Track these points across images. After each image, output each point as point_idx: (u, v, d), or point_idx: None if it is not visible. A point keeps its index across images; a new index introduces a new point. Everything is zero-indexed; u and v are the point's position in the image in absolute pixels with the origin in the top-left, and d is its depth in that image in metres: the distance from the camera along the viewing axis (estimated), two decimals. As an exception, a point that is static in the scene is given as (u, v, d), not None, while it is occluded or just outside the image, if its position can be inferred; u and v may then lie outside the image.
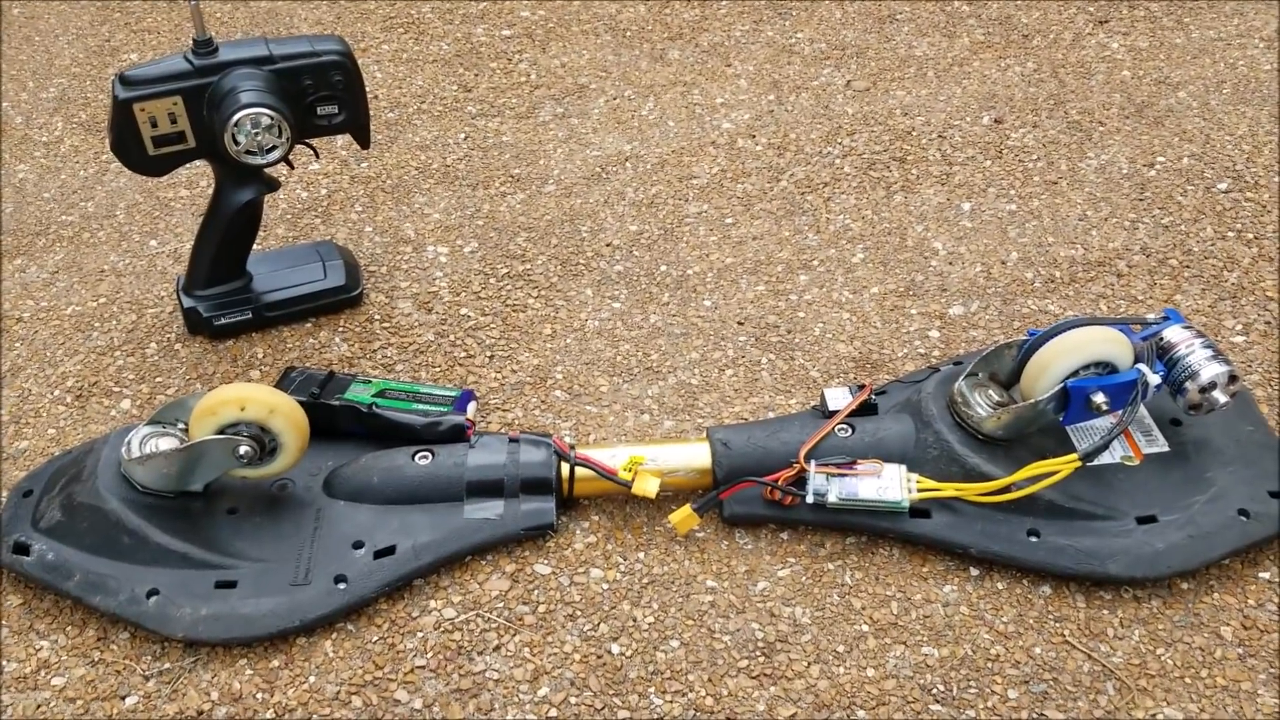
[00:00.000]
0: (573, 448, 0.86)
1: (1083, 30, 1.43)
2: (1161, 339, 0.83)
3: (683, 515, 0.83)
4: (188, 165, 1.00)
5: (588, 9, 1.55)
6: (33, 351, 1.05)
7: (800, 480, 0.82)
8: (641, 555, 0.84)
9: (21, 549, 0.84)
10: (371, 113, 1.01)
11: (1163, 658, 0.76)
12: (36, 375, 1.03)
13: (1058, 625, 0.78)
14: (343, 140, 1.30)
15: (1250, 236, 1.09)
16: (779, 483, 0.82)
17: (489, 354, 1.02)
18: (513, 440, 0.87)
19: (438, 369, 1.00)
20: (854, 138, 1.27)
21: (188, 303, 1.04)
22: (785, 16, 1.51)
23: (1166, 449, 0.84)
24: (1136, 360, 0.81)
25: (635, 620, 0.80)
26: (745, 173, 1.23)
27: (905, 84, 1.36)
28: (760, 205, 1.18)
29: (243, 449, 0.81)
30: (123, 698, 0.77)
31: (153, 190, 1.26)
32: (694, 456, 0.86)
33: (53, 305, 1.11)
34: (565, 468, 0.85)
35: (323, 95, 0.96)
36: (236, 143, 0.93)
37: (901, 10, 1.50)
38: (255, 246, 1.05)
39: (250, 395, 0.81)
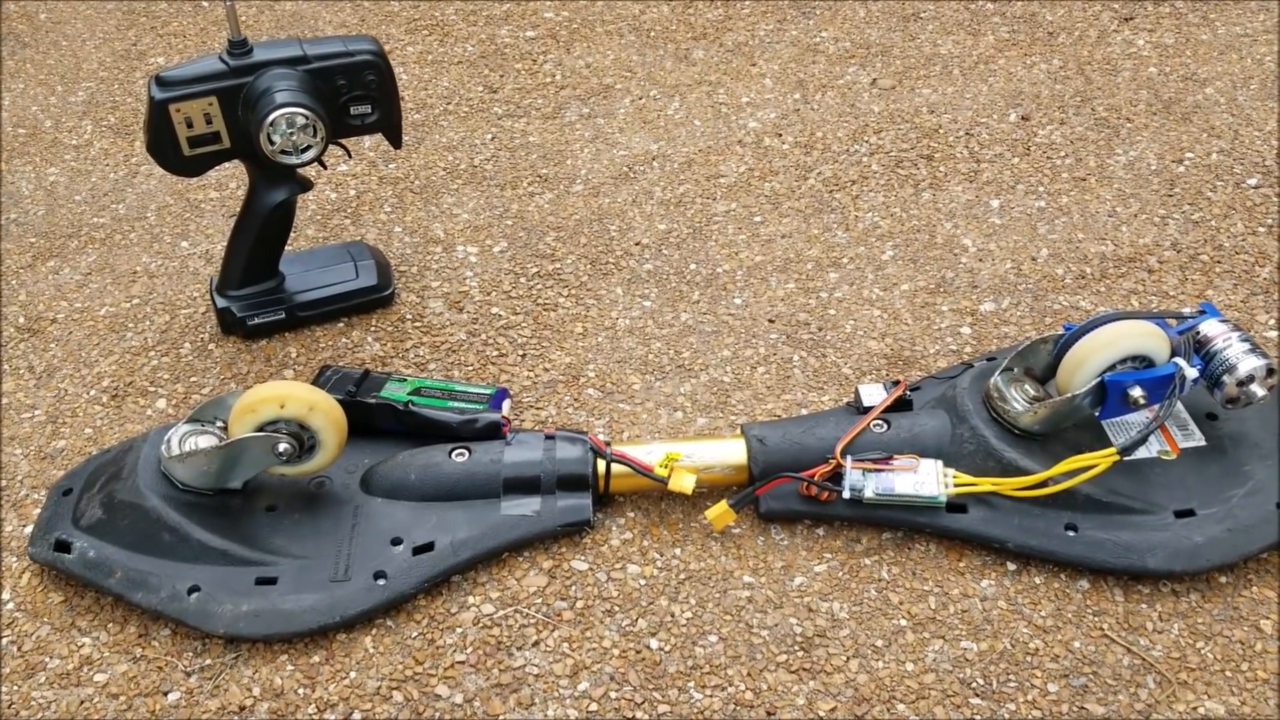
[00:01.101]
0: (608, 444, 0.87)
1: (1108, 27, 1.43)
2: (1198, 333, 0.83)
3: (719, 511, 0.83)
4: (218, 167, 1.01)
5: (611, 9, 1.55)
6: (68, 352, 1.06)
7: (836, 476, 0.82)
8: (678, 551, 0.84)
9: (63, 547, 0.84)
10: (403, 114, 1.01)
11: (1202, 651, 0.76)
12: (72, 375, 1.03)
13: (1096, 619, 0.78)
14: (370, 142, 1.31)
15: (1281, 231, 1.09)
16: (815, 478, 0.82)
17: (521, 353, 1.02)
18: (549, 437, 0.87)
19: (470, 368, 1.01)
20: (881, 136, 1.27)
21: (221, 303, 1.05)
22: (809, 16, 1.51)
23: (1203, 443, 0.84)
24: (1173, 354, 0.81)
25: (673, 615, 0.80)
26: (773, 171, 1.23)
27: (931, 82, 1.36)
28: (788, 204, 1.18)
29: (282, 446, 0.82)
30: (165, 694, 0.78)
31: (183, 192, 1.27)
32: (730, 453, 0.86)
33: (87, 306, 1.12)
34: (601, 464, 0.86)
35: (356, 95, 0.97)
36: (272, 142, 0.94)
37: (925, 9, 1.50)
38: (286, 247, 1.06)
39: (290, 393, 0.82)
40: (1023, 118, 1.27)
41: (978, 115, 1.29)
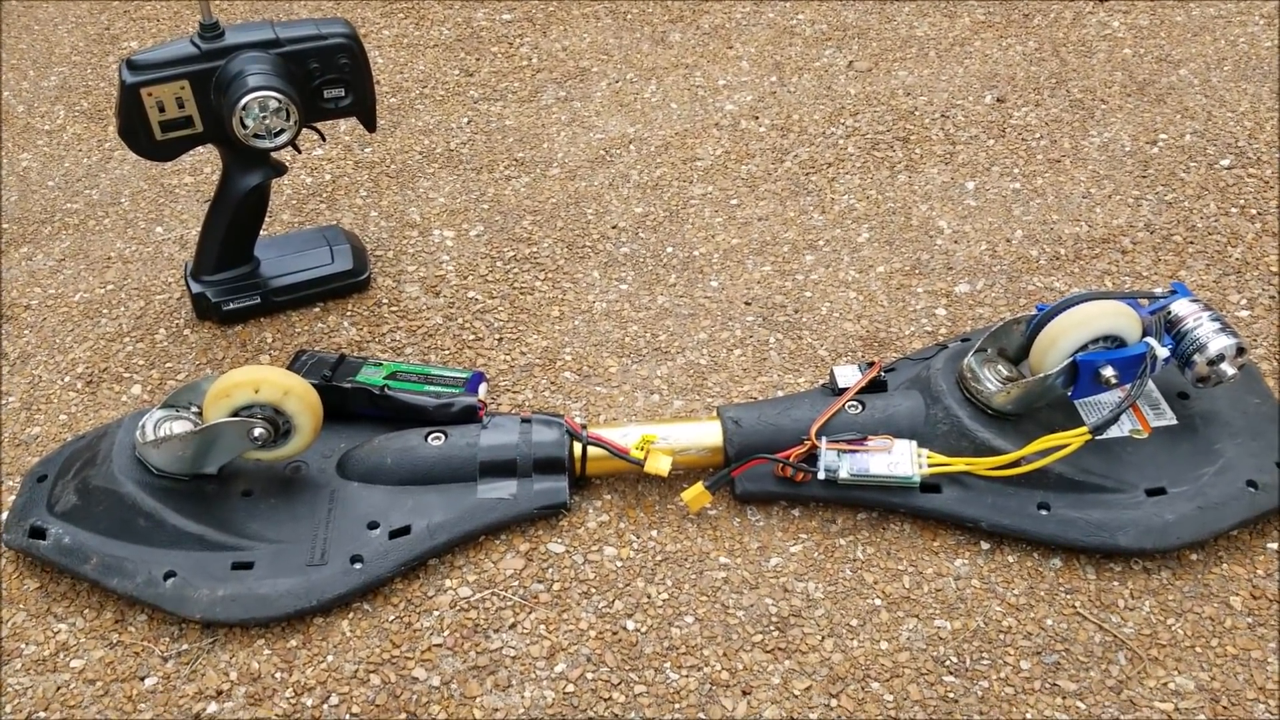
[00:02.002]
0: (584, 427, 0.87)
1: (1083, 9, 1.44)
2: (1169, 312, 0.84)
3: (695, 493, 0.83)
4: (192, 152, 1.00)
5: (588, -8, 1.55)
6: (42, 339, 1.05)
7: (811, 457, 0.83)
8: (654, 533, 0.84)
9: (38, 533, 0.84)
10: (376, 97, 1.01)
11: (1173, 628, 0.76)
12: (46, 362, 1.03)
13: (1069, 597, 0.78)
14: (345, 126, 1.30)
15: (1254, 212, 1.10)
16: (791, 460, 0.83)
17: (497, 336, 1.02)
18: (525, 420, 0.87)
19: (447, 352, 1.01)
20: (857, 118, 1.27)
21: (196, 288, 1.04)
22: (786, -2, 1.51)
23: (1175, 422, 0.85)
24: (1145, 334, 0.82)
25: (650, 597, 0.80)
26: (749, 154, 1.23)
27: (907, 64, 1.36)
28: (765, 186, 1.18)
29: (257, 431, 0.82)
30: (142, 679, 0.77)
31: (157, 178, 1.26)
32: (705, 435, 0.86)
33: (60, 293, 1.11)
34: (578, 447, 0.86)
35: (330, 79, 0.96)
36: (244, 126, 0.93)
37: (902, -9, 1.50)
38: (261, 232, 1.05)
39: (264, 377, 0.82)
40: (998, 100, 1.28)
41: (953, 97, 1.29)
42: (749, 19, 1.47)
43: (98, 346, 1.04)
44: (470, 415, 0.89)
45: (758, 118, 1.29)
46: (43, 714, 0.76)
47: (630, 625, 0.79)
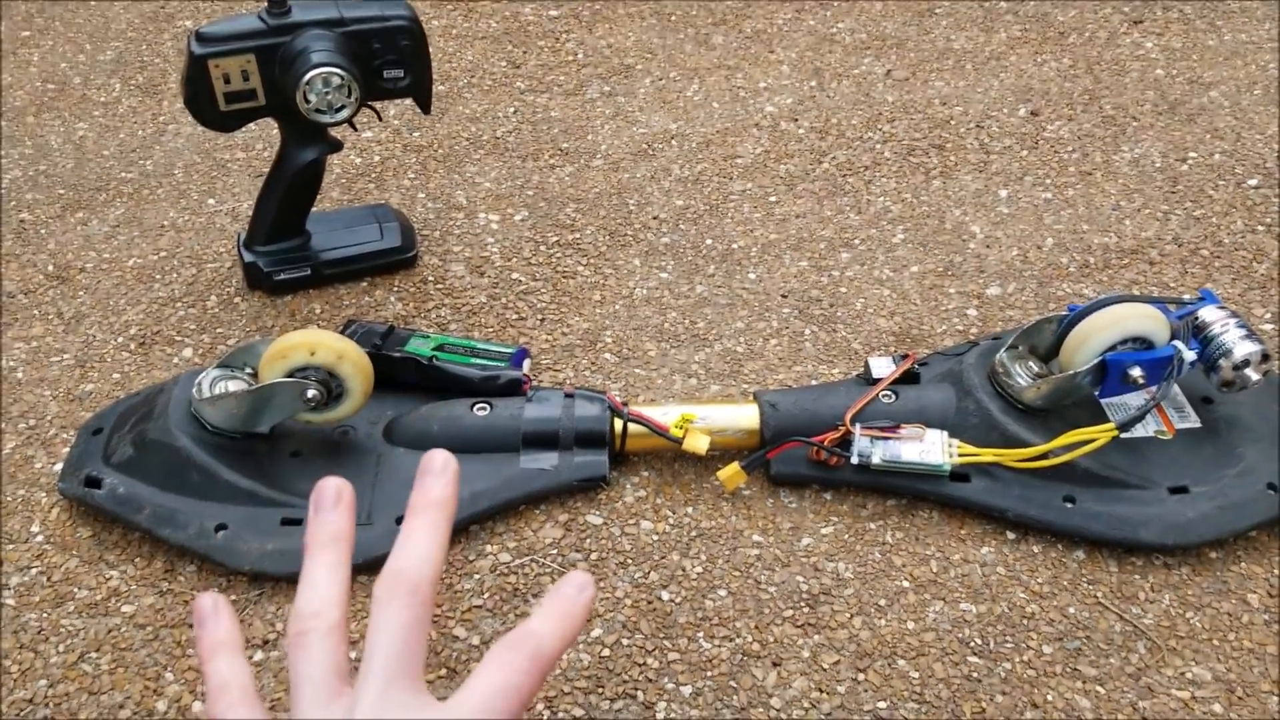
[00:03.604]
0: (625, 404, 0.90)
1: (1117, 29, 1.46)
2: (1197, 318, 0.86)
3: (731, 472, 0.86)
4: (245, 128, 1.03)
5: (632, -7, 1.58)
6: (96, 300, 1.08)
7: (845, 442, 0.86)
8: (690, 510, 0.87)
9: (93, 483, 0.87)
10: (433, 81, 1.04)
11: (1192, 621, 0.79)
12: (100, 323, 1.06)
13: (1091, 587, 0.81)
14: (395, 110, 1.33)
15: (1279, 231, 1.12)
16: (825, 444, 0.85)
17: (540, 317, 1.05)
18: (568, 395, 0.90)
19: (490, 329, 1.04)
20: (894, 124, 1.30)
21: (248, 258, 1.07)
22: (826, 7, 1.54)
23: (1198, 424, 0.88)
24: (1173, 337, 0.84)
25: (684, 570, 0.83)
26: (788, 154, 1.26)
27: (944, 75, 1.39)
28: (803, 185, 1.21)
29: (311, 392, 0.85)
30: (191, 626, 0.80)
31: (210, 151, 1.29)
32: (743, 417, 0.89)
33: (114, 257, 1.14)
34: (619, 424, 0.88)
35: (390, 59, 1.00)
36: (308, 101, 0.96)
37: (940, 4, 1.53)
38: (313, 209, 1.09)
39: (320, 340, 0.85)
40: (1032, 113, 1.31)
41: (988, 109, 1.32)
42: (790, 25, 1.50)
43: (150, 310, 1.07)
44: (515, 388, 0.92)
45: (797, 120, 1.32)
46: (94, 654, 0.78)
47: (665, 596, 0.81)
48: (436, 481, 0.43)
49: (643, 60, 1.44)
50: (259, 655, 0.78)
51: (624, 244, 1.14)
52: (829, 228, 1.15)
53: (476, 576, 0.83)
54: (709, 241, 1.14)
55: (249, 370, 0.89)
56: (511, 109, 1.35)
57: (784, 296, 1.07)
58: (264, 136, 1.30)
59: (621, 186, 1.22)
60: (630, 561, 0.84)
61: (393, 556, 0.43)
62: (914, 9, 1.52)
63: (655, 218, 1.17)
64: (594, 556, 0.84)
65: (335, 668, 0.42)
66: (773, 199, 1.19)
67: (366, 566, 0.83)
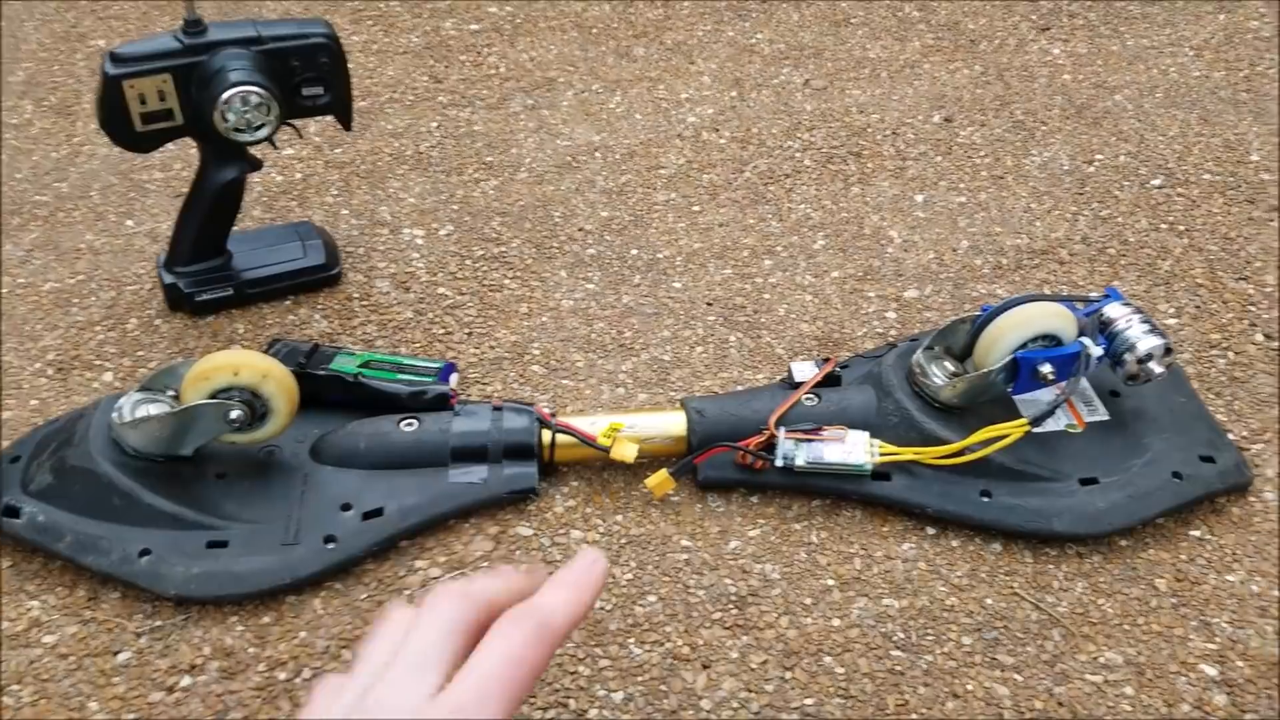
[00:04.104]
0: (553, 415, 0.90)
1: (1026, 36, 1.51)
2: (1103, 315, 0.90)
3: (659, 479, 0.87)
4: (163, 148, 1.02)
5: (554, 6, 1.59)
6: (12, 326, 1.07)
7: (770, 446, 0.87)
8: (619, 517, 0.88)
9: (11, 512, 0.85)
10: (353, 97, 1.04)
11: (1104, 607, 0.82)
12: (16, 349, 1.04)
13: (1008, 579, 0.83)
14: (316, 126, 1.33)
15: (1181, 228, 1.17)
16: (751, 448, 0.87)
17: (467, 331, 1.06)
18: (496, 408, 0.91)
19: (417, 344, 1.04)
20: (813, 133, 1.33)
21: (169, 279, 1.06)
22: (745, 18, 1.56)
23: (1107, 418, 0.91)
24: (1080, 334, 0.87)
25: (614, 577, 0.84)
26: (711, 164, 1.28)
27: (860, 84, 1.42)
28: (725, 194, 1.23)
29: (235, 413, 0.84)
30: (115, 653, 0.79)
31: (127, 172, 1.28)
32: (670, 424, 0.90)
33: (30, 282, 1.12)
34: (547, 434, 0.89)
35: (309, 77, 1.00)
36: (226, 120, 0.96)
37: (856, 14, 1.56)
38: (234, 228, 1.08)
39: (244, 361, 0.84)
40: (946, 119, 1.34)
41: (904, 116, 1.35)
42: (710, 37, 1.52)
43: (69, 335, 1.06)
44: (442, 403, 0.92)
45: (719, 130, 1.34)
46: (16, 686, 0.77)
47: (595, 604, 0.82)
48: (600, 564, 0.39)
49: (565, 73, 1.45)
50: (186, 681, 0.77)
51: (550, 256, 1.15)
52: (751, 236, 1.17)
53: (407, 592, 0.83)
54: (634, 252, 1.15)
55: (171, 393, 0.88)
56: (434, 123, 1.35)
57: (709, 304, 1.08)
58: (183, 156, 1.29)
59: (546, 199, 1.23)
60: (561, 571, 0.84)
61: (535, 596, 0.40)
62: (830, 19, 1.56)
63: (581, 229, 1.18)
64: (524, 568, 0.84)
65: (455, 645, 0.36)
66: (696, 208, 1.21)
67: (293, 587, 0.82)
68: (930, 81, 1.42)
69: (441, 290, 1.10)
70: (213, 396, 0.84)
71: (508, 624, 0.35)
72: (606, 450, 0.88)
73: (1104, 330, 0.89)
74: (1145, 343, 0.87)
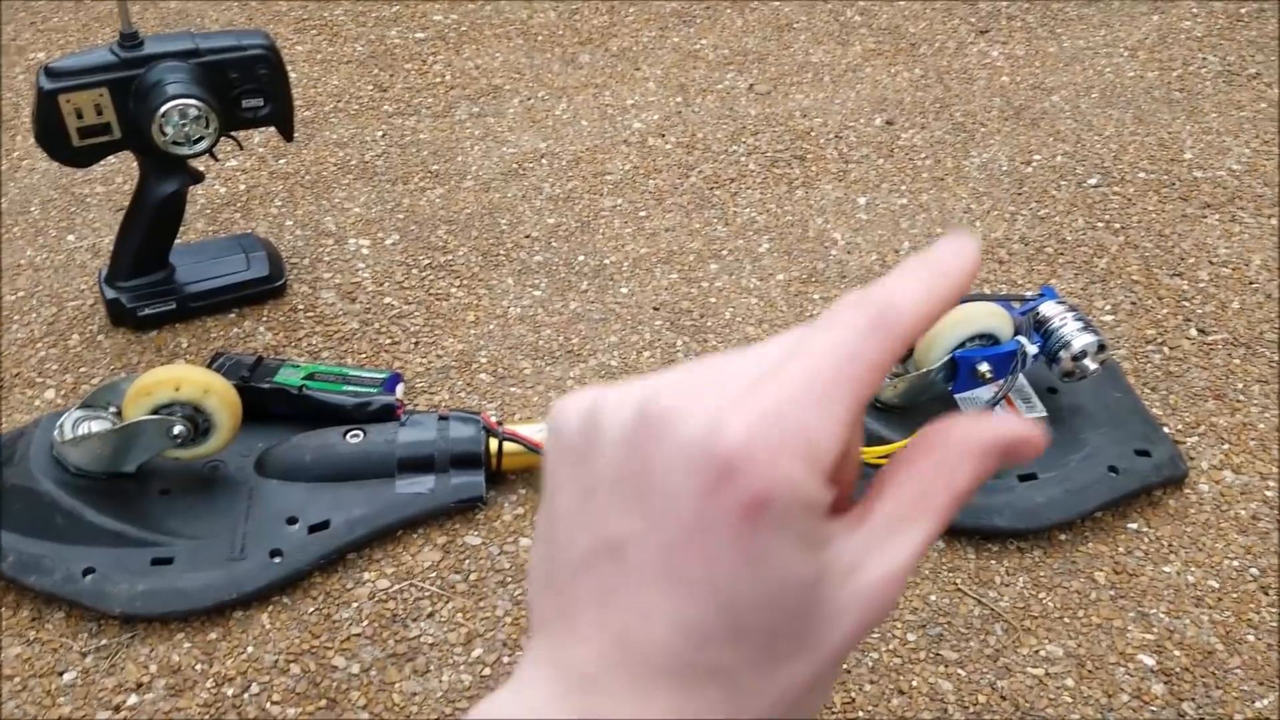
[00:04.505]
0: (500, 423, 0.91)
1: (965, 39, 1.53)
2: (1038, 313, 0.91)
3: (605, 485, 0.88)
4: (104, 161, 1.02)
5: (499, 14, 1.60)
6: (-50, 344, 1.05)
7: (715, 449, 0.88)
8: (567, 523, 0.88)
9: (-48, 533, 0.84)
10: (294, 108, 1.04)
11: (1044, 601, 0.83)
12: (-45, 367, 1.03)
13: (951, 575, 0.85)
14: (260, 137, 1.32)
15: (1117, 226, 1.19)
16: (695, 452, 0.87)
17: (414, 340, 1.05)
18: (442, 418, 0.91)
19: (364, 355, 1.04)
20: (757, 137, 1.34)
21: (110, 294, 1.06)
22: (689, 24, 1.57)
23: (1044, 414, 0.93)
24: (1016, 332, 0.89)
25: (563, 583, 0.84)
26: (656, 169, 1.29)
27: (804, 88, 1.43)
28: (671, 199, 1.24)
29: (177, 429, 0.84)
30: (60, 673, 0.79)
31: (67, 187, 1.26)
32: (615, 430, 0.90)
33: (-31, 299, 1.11)
34: (494, 443, 0.90)
35: (249, 88, 0.99)
36: (164, 134, 0.95)
37: (798, 19, 1.58)
38: (176, 241, 1.07)
39: (185, 376, 0.84)
40: (887, 122, 1.36)
41: (846, 119, 1.37)
42: (655, 43, 1.53)
43: (9, 352, 1.04)
44: (388, 414, 0.92)
45: (664, 135, 1.35)
46: (-41, 710, 0.76)
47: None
48: (968, 249, 0.28)
49: (511, 80, 1.45)
50: (133, 699, 0.77)
51: (497, 264, 1.15)
52: (697, 240, 1.18)
53: (355, 605, 0.83)
54: (581, 258, 1.16)
55: (113, 409, 0.87)
56: (379, 132, 1.35)
57: (655, 309, 1.09)
58: (124, 169, 1.28)
59: (493, 206, 1.23)
60: (510, 579, 0.85)
61: (879, 282, 0.29)
62: (773, 24, 1.57)
63: (527, 236, 1.19)
64: (473, 577, 0.85)
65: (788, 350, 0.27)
66: (642, 214, 1.22)
67: (240, 602, 0.82)
68: (872, 85, 1.44)
69: (388, 300, 1.10)
70: (154, 412, 0.84)
71: (843, 308, 0.27)
72: (553, 457, 0.88)
73: (1039, 329, 0.91)
74: (1079, 340, 0.89)
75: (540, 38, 1.54)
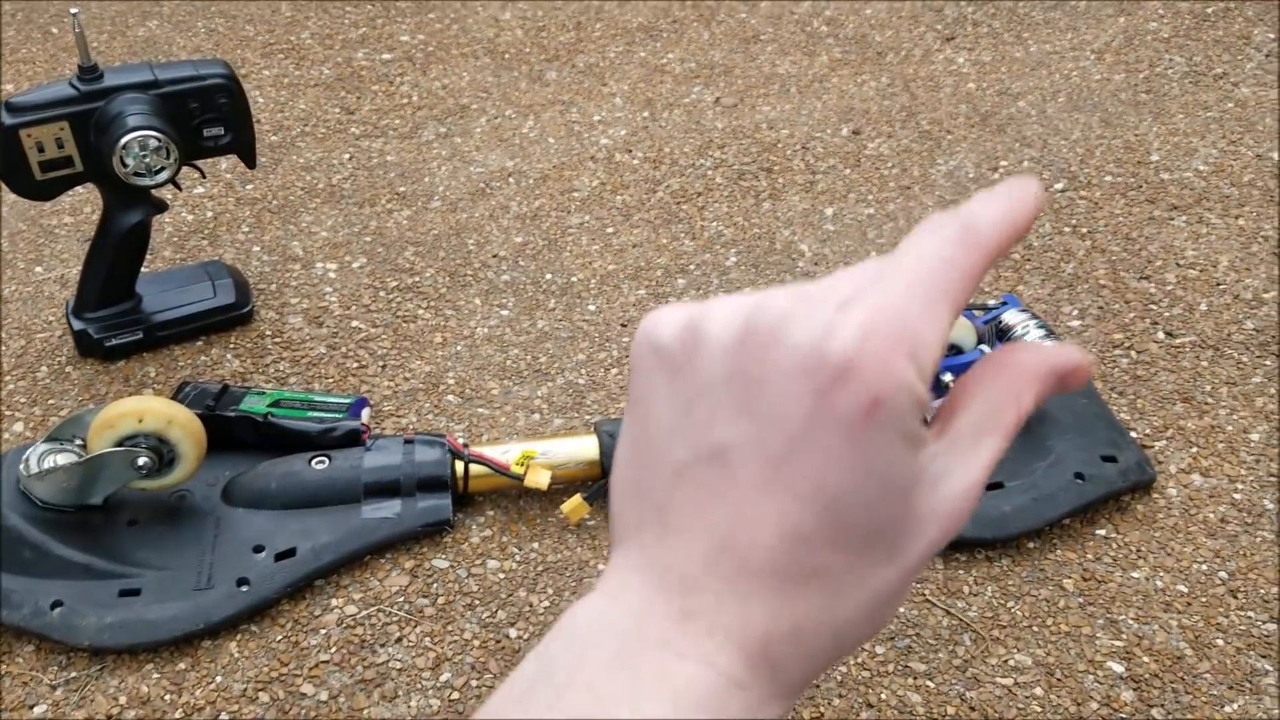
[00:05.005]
0: (466, 446, 0.91)
1: (931, 47, 1.54)
2: (1000, 321, 0.92)
3: (573, 505, 0.88)
4: (72, 192, 1.02)
5: (466, 33, 1.60)
6: (-83, 379, 1.05)
7: (681, 466, 0.88)
8: (536, 545, 0.89)
9: (-83, 570, 0.84)
10: (255, 135, 1.04)
11: (1013, 610, 0.83)
12: (-78, 403, 1.03)
13: (919, 586, 0.85)
14: (227, 164, 1.32)
15: (1084, 231, 1.19)
16: (662, 469, 0.88)
17: (381, 364, 1.05)
18: (408, 441, 0.91)
19: (331, 380, 1.04)
20: (724, 150, 1.34)
21: (78, 325, 1.05)
22: (656, 38, 1.58)
23: (1010, 422, 0.93)
24: (980, 341, 0.89)
25: (531, 605, 0.84)
26: (624, 185, 1.29)
27: (770, 100, 1.44)
28: (639, 215, 1.24)
29: (142, 460, 0.84)
30: (31, 707, 0.78)
31: (35, 218, 1.26)
32: (583, 449, 0.91)
33: (-64, 333, 1.10)
34: (460, 465, 0.89)
35: (209, 117, 0.99)
36: (125, 165, 0.95)
37: (765, 31, 1.59)
38: (143, 269, 1.07)
39: (148, 407, 0.84)
40: (854, 132, 1.36)
41: (813, 130, 1.37)
42: (622, 58, 1.54)
43: (-24, 386, 1.04)
44: (354, 439, 0.92)
45: (631, 151, 1.35)
46: (-74, 749, 0.76)
47: (513, 633, 0.82)
48: (1033, 185, 0.30)
49: (478, 99, 1.45)
50: (100, 733, 0.77)
51: (464, 284, 1.15)
52: (665, 255, 1.18)
53: (323, 631, 0.83)
54: (549, 276, 1.16)
55: (78, 442, 0.87)
56: (346, 155, 1.35)
57: (623, 326, 1.09)
58: (92, 200, 1.28)
59: (460, 227, 1.23)
60: (478, 602, 0.85)
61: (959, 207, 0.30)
62: (740, 36, 1.57)
63: (495, 256, 1.19)
64: (441, 600, 0.85)
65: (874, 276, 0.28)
66: (610, 230, 1.22)
67: (208, 631, 0.82)
68: (838, 95, 1.44)
69: (355, 324, 1.10)
70: (119, 444, 0.84)
71: (929, 227, 0.28)
72: (520, 478, 0.88)
73: (1002, 337, 0.91)
74: (1041, 348, 0.89)
75: (507, 56, 1.55)
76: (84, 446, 0.86)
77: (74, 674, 0.80)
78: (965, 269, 0.28)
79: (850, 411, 0.25)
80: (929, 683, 0.79)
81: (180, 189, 1.03)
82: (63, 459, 0.85)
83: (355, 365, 1.05)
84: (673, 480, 0.28)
